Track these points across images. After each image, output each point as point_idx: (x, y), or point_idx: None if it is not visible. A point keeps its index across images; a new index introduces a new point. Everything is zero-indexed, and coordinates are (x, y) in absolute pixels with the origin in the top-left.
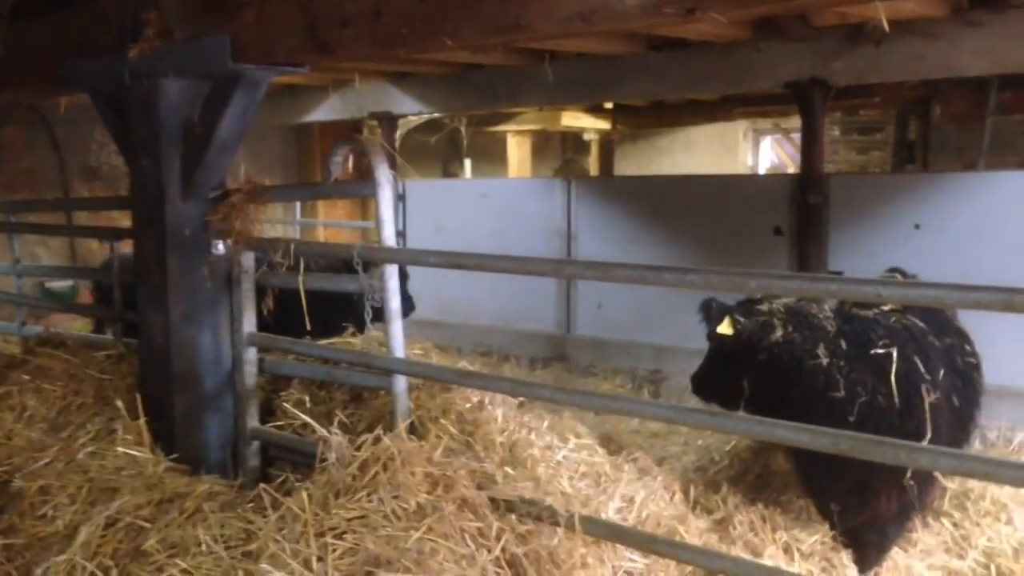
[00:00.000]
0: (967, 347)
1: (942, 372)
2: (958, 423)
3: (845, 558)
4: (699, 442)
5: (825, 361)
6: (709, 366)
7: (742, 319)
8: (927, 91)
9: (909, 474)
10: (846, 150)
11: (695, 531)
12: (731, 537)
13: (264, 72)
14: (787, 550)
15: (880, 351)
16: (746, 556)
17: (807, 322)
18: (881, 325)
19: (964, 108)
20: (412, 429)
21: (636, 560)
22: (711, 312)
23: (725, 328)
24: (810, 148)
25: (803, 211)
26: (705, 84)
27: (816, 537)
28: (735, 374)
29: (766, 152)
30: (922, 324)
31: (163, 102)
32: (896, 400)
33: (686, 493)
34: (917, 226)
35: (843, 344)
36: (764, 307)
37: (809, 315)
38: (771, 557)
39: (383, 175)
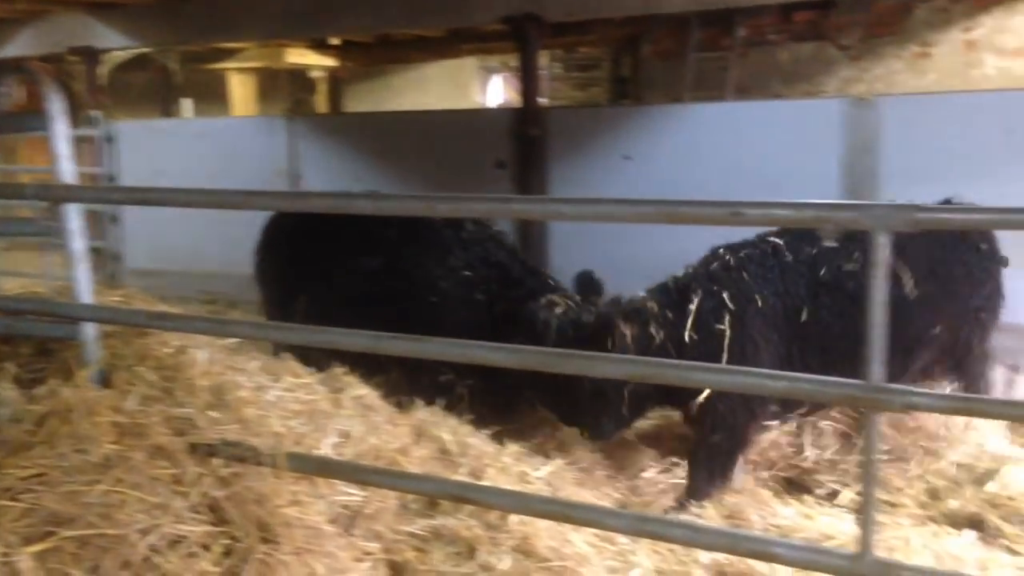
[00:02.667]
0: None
1: (760, 300)
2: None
3: (576, 489)
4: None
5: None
6: None
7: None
8: (637, 29)
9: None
10: (567, 87)
11: (417, 461)
12: (455, 465)
13: None
14: (509, 472)
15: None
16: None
17: (640, 318)
18: (699, 276)
19: (669, 46)
20: (104, 379)
21: (354, 493)
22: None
23: None
24: (528, 82)
25: (523, 144)
26: (425, 18)
27: (549, 468)
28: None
29: (497, 90)
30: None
31: None
32: (696, 336)
33: (413, 425)
34: (627, 157)
35: (669, 315)
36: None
37: (641, 309)
38: (491, 480)
39: (55, 106)
